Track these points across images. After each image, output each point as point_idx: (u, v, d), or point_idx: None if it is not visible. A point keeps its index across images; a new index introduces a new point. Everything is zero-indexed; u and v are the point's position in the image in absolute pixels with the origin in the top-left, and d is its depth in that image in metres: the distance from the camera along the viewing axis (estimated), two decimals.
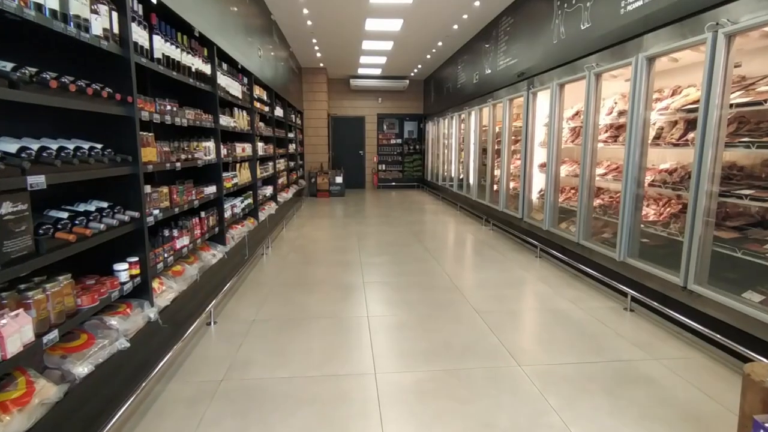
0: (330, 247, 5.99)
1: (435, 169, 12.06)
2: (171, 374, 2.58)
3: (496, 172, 7.36)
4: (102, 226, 2.05)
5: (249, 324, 3.33)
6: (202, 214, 3.66)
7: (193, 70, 3.42)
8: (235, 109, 4.86)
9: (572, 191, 5.17)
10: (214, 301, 3.36)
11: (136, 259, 2.44)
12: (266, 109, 6.62)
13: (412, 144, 13.96)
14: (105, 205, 2.28)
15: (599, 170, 4.41)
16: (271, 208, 6.58)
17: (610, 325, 3.33)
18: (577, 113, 4.96)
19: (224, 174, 4.30)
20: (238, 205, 4.79)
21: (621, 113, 4.06)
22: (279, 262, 5.16)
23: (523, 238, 5.90)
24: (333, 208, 9.79)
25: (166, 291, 2.79)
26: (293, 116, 9.94)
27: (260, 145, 6.11)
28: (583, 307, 3.69)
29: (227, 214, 4.33)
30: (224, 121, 4.28)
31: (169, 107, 2.95)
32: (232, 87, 4.60)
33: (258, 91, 6.14)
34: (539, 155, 5.78)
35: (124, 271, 2.33)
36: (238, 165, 4.92)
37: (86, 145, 2.12)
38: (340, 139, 13.46)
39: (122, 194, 2.43)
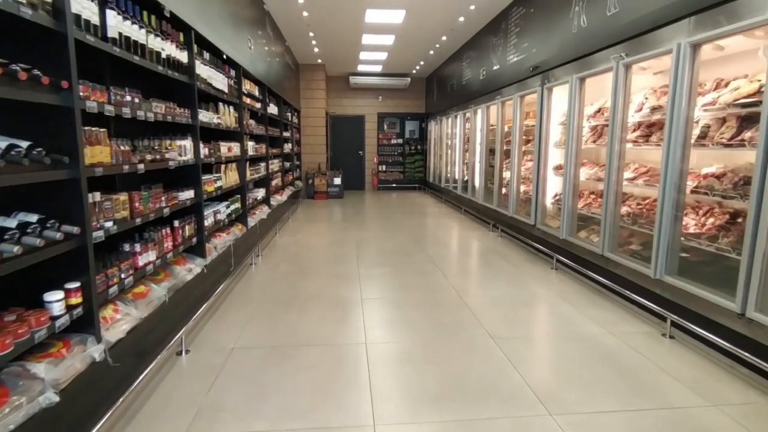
0: (326, 255, 5.51)
1: (437, 170, 11.58)
2: (120, 428, 2.10)
3: (505, 175, 6.88)
4: (15, 249, 1.56)
5: (227, 354, 2.85)
6: (176, 223, 3.18)
7: (164, 56, 2.94)
8: (220, 104, 4.38)
9: (592, 196, 4.69)
10: (186, 326, 2.87)
11: (77, 284, 1.96)
12: (258, 105, 6.14)
13: (414, 144, 13.48)
14: (33, 218, 1.80)
15: (627, 174, 3.92)
16: (262, 213, 6.09)
17: (649, 356, 2.85)
18: (599, 110, 4.47)
19: (205, 177, 3.82)
20: (222, 211, 4.31)
21: (654, 109, 3.58)
22: (269, 274, 4.67)
23: (536, 247, 5.42)
24: (331, 211, 9.31)
25: (122, 320, 2.31)
26: (289, 114, 9.46)
27: (250, 144, 5.63)
28: (615, 331, 3.20)
29: (208, 221, 3.84)
30: (205, 116, 3.79)
31: (129, 98, 2.47)
32: (216, 79, 4.12)
33: (248, 86, 5.66)
34: (554, 157, 5.30)
35: (57, 301, 1.84)
36: (223, 166, 4.44)
37: (3, 143, 1.64)
38: (339, 138, 12.98)
39: (59, 204, 1.95)
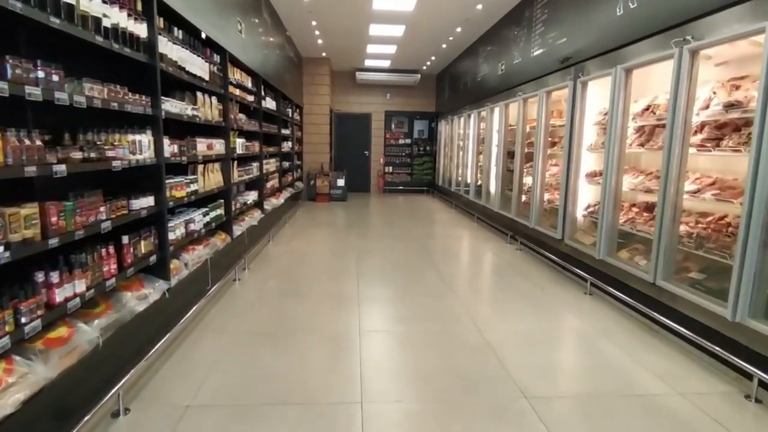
0: (322, 269, 4.83)
1: (447, 173, 10.87)
2: None
3: (526, 180, 6.17)
4: None
5: (178, 416, 2.17)
6: (125, 239, 2.51)
7: (108, 25, 2.27)
8: (199, 93, 3.72)
9: (634, 210, 3.97)
10: (126, 378, 2.20)
11: None
12: (250, 98, 5.48)
13: (423, 145, 12.78)
14: None
15: (689, 185, 3.20)
16: (253, 218, 5.43)
17: (733, 429, 2.14)
18: (647, 108, 3.75)
19: (174, 179, 3.15)
20: (198, 219, 3.64)
21: (730, 106, 2.86)
22: (254, 293, 4.00)
23: (563, 265, 4.70)
24: (332, 216, 8.63)
25: (17, 385, 1.64)
26: (290, 110, 8.80)
27: (239, 141, 4.97)
28: (683, 390, 2.49)
29: (176, 233, 3.18)
30: (174, 106, 3.13)
31: (42, 74, 1.80)
32: (193, 63, 3.45)
33: (238, 75, 5.00)
34: (587, 161, 4.58)
35: None
36: (201, 167, 3.78)
37: None
38: (343, 137, 12.30)
39: None
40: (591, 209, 4.46)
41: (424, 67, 11.27)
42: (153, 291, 2.76)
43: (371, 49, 9.32)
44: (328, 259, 5.26)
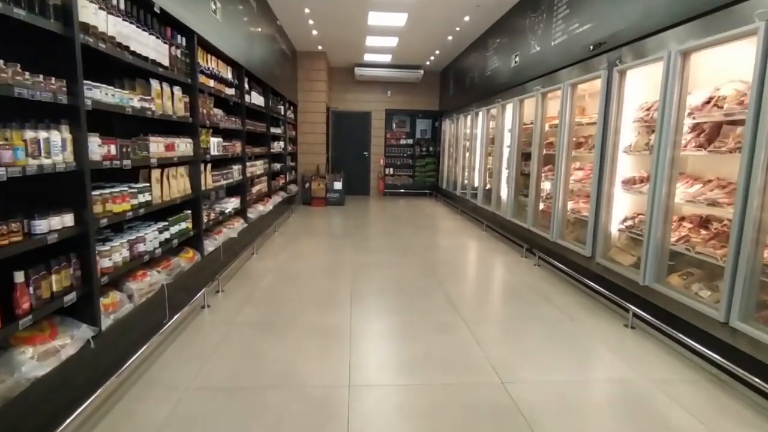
0: (310, 292, 4.11)
1: (452, 175, 10.16)
2: None
3: (545, 186, 5.46)
4: None
5: None
6: (18, 276, 1.80)
7: None
8: (155, 81, 3.01)
9: (687, 226, 3.26)
10: None
11: None
12: (230, 91, 4.77)
13: (425, 145, 12.06)
14: None
15: None
16: (233, 229, 4.72)
17: None
18: (708, 101, 3.03)
19: (109, 190, 2.45)
20: (150, 238, 2.93)
21: None
22: (223, 326, 3.29)
23: (595, 288, 3.98)
24: (328, 223, 7.92)
25: None
26: (282, 108, 8.10)
27: (215, 140, 4.26)
28: None
29: (114, 259, 2.47)
30: (108, 95, 2.41)
31: None
32: (140, 41, 2.74)
33: (213, 64, 4.29)
34: (624, 166, 3.86)
35: None
36: (158, 172, 3.07)
37: None
38: (341, 137, 11.60)
39: None
40: (629, 223, 3.74)
41: (428, 63, 10.56)
42: (70, 341, 2.05)
43: (371, 41, 8.61)
44: (319, 277, 4.55)
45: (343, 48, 9.29)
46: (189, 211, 3.62)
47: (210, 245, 4.01)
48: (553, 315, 3.60)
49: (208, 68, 4.10)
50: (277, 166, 7.73)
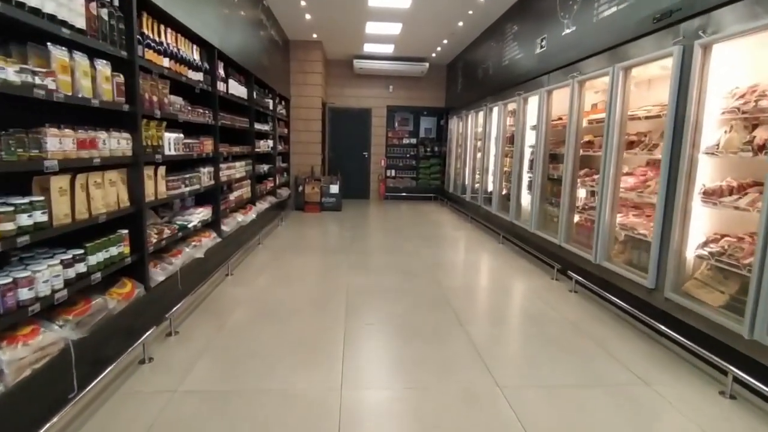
0: (291, 335, 3.17)
1: (460, 178, 9.23)
2: None
3: (581, 194, 4.53)
4: None
5: None
6: None
7: None
8: (57, 47, 2.07)
9: None
10: None
11: None
12: (195, 76, 3.83)
13: (430, 145, 11.13)
14: None
15: None
16: (199, 248, 3.79)
17: None
18: None
19: None
20: (44, 277, 1.99)
21: None
22: (162, 395, 2.35)
23: (665, 333, 3.05)
24: (321, 232, 6.99)
25: None
26: (270, 101, 7.16)
27: (170, 136, 3.32)
28: None
29: None
30: None
31: None
32: None
33: (171, 39, 3.35)
34: (704, 172, 2.93)
35: None
36: (63, 179, 2.14)
37: None
38: (339, 136, 10.66)
39: None
40: (714, 248, 2.81)
41: (434, 55, 9.62)
42: None
43: (371, 28, 7.67)
44: (304, 312, 3.61)
45: (341, 36, 8.36)
46: (125, 231, 2.68)
47: (160, 273, 3.07)
48: (619, 375, 2.66)
49: (160, 42, 3.16)
50: (264, 167, 6.80)
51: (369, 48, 9.23)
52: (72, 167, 2.17)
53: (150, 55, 2.97)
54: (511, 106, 6.43)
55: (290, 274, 4.57)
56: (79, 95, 2.21)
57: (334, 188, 8.88)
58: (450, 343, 3.03)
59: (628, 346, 3.05)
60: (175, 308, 3.09)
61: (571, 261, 4.35)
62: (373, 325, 3.31)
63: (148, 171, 2.98)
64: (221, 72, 4.58)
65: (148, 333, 2.70)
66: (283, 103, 8.45)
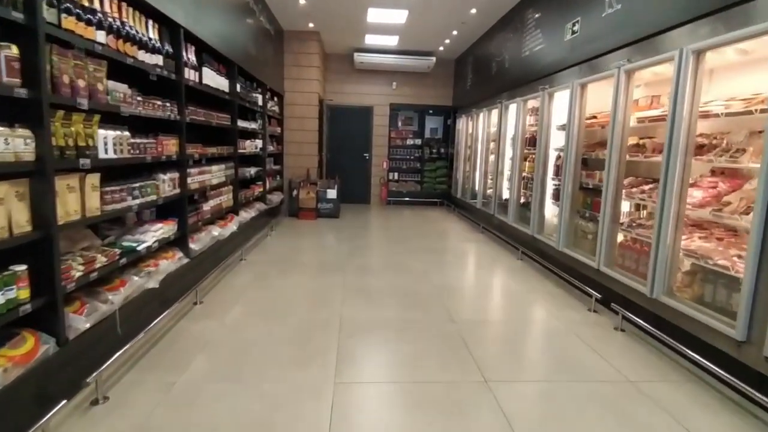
0: (263, 399, 2.39)
1: (470, 183, 8.44)
2: None
3: (624, 207, 3.75)
4: None
5: None
6: None
7: None
8: None
9: None
10: None
11: None
12: (149, 58, 3.04)
13: (436, 146, 10.35)
14: None
15: None
16: (152, 275, 3.02)
17: None
18: None
19: None
20: None
21: None
22: None
23: (761, 402, 2.26)
24: (315, 244, 6.21)
25: None
26: (260, 97, 6.39)
27: (107, 135, 2.54)
28: None
29: None
30: None
31: None
32: None
33: (108, 8, 2.57)
34: None
35: None
36: None
37: None
38: (337, 136, 9.89)
39: None
40: None
41: (441, 48, 8.84)
42: None
43: (374, 15, 6.88)
44: (282, 360, 2.83)
45: (340, 25, 7.57)
46: (21, 267, 1.90)
47: (86, 318, 2.29)
48: None
49: (91, 9, 2.38)
50: (251, 171, 6.02)
51: (371, 40, 8.45)
52: None
53: (70, 23, 2.19)
54: (532, 103, 5.65)
55: (272, 302, 3.78)
56: None
57: (332, 193, 8.10)
58: (473, 416, 2.24)
59: (713, 420, 2.26)
60: (105, 364, 2.31)
61: (615, 290, 3.55)
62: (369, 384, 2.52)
63: (69, 181, 2.21)
64: (191, 57, 3.80)
65: (52, 412, 1.91)
66: (275, 99, 7.67)
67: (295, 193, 8.00)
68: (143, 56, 2.93)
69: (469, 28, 7.39)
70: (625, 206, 3.80)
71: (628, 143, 3.59)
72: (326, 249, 5.89)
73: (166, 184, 3.33)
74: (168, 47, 3.33)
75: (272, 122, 7.51)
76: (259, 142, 6.36)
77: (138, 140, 2.90)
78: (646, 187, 3.54)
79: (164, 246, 3.32)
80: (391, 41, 8.46)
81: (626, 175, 3.69)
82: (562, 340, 3.21)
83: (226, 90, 4.82)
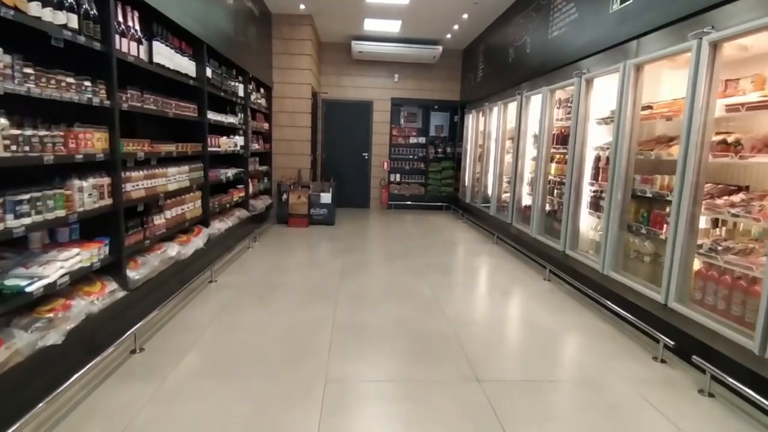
0: None
1: (480, 186, 7.54)
2: None
3: (702, 224, 2.85)
4: None
5: None
6: None
7: None
8: None
9: None
10: None
11: None
12: (56, 19, 2.14)
13: (442, 145, 9.45)
14: None
15: None
16: (56, 326, 2.12)
17: None
18: None
19: None
20: None
21: None
22: None
23: None
24: (303, 260, 5.31)
25: None
26: (240, 86, 5.49)
27: None
28: None
29: None
30: None
31: None
32: None
33: None
34: None
35: None
36: None
37: None
38: (333, 133, 9.00)
39: None
40: None
41: (448, 36, 7.94)
42: None
43: None
44: None
45: (335, 6, 6.67)
46: None
47: None
48: None
49: None
50: (229, 173, 5.11)
51: (370, 26, 7.54)
52: None
53: None
54: (561, 94, 4.75)
55: (237, 351, 2.87)
56: None
57: (326, 197, 7.19)
58: None
59: None
60: None
61: (693, 336, 2.65)
62: None
63: None
64: (134, 26, 2.90)
65: None
66: (261, 91, 6.78)
67: (284, 197, 7.10)
68: (37, 10, 2.03)
69: (482, 10, 6.48)
70: (703, 222, 2.89)
71: (716, 138, 2.69)
72: (316, 266, 4.98)
73: (85, 194, 2.42)
74: (89, 7, 2.43)
75: (258, 117, 6.62)
76: (239, 139, 5.46)
77: (27, 132, 2.00)
78: (735, 199, 2.64)
79: (72, 283, 2.39)
80: (393, 27, 7.55)
81: (709, 184, 2.79)
82: (630, 414, 2.29)
83: (192, 74, 3.92)
